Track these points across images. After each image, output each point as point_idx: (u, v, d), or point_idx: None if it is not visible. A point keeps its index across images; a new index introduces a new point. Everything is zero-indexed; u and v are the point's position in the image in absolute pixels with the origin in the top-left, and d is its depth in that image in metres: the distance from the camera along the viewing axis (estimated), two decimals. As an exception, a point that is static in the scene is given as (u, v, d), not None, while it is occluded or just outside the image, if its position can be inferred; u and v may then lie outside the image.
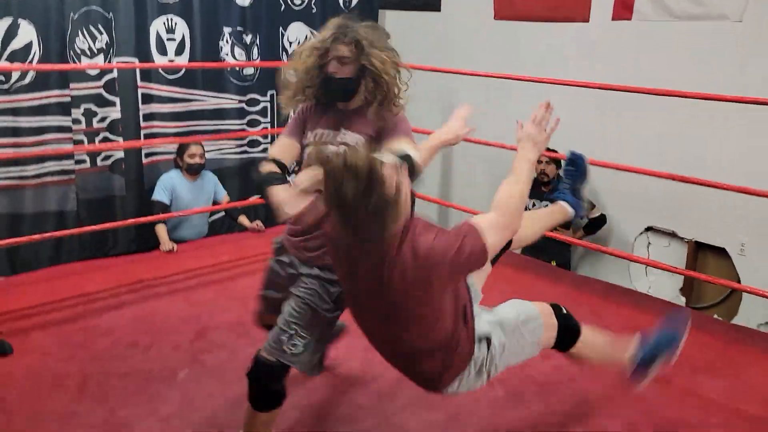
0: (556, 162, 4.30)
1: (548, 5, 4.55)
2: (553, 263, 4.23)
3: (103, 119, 4.07)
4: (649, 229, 4.29)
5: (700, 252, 4.13)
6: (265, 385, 2.01)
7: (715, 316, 3.95)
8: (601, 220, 4.30)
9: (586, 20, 4.37)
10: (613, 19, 4.22)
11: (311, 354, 2.01)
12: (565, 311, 2.03)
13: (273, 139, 5.03)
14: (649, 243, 4.32)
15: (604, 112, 4.31)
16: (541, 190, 4.38)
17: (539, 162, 4.32)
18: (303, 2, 4.96)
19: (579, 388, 2.62)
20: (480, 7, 4.91)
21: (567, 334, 2.01)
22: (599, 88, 3.60)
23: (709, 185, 3.27)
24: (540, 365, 2.76)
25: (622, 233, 4.39)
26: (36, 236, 3.46)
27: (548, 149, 4.18)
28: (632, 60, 4.13)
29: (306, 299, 2.00)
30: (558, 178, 4.36)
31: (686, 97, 3.27)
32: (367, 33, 2.01)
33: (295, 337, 1.97)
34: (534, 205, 4.43)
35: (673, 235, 4.19)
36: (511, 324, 1.91)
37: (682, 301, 4.11)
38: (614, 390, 2.60)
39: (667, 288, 4.20)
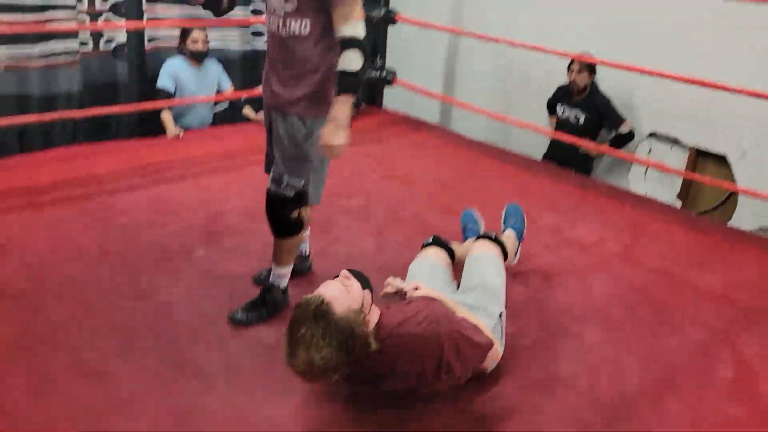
0: (590, 68, 4.18)
1: None
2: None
3: (105, 0, 3.93)
4: (652, 134, 4.33)
5: (699, 160, 4.20)
6: (278, 213, 2.25)
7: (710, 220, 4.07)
8: (629, 136, 4.18)
9: None
10: None
11: (305, 184, 2.23)
12: (494, 236, 2.45)
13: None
14: (650, 149, 4.38)
15: (616, 13, 4.24)
16: (574, 98, 4.31)
17: (570, 71, 4.23)
18: None
19: (583, 278, 2.74)
20: None
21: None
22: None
23: (720, 88, 3.28)
24: (546, 256, 2.88)
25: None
26: (34, 116, 3.44)
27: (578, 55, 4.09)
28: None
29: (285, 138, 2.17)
30: (592, 87, 4.26)
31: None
32: None
33: (286, 173, 2.18)
34: (564, 112, 4.37)
35: (675, 141, 4.24)
36: (492, 283, 2.22)
37: (678, 205, 4.22)
38: (616, 280, 2.73)
39: (664, 193, 4.29)
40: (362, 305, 1.74)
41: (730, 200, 4.09)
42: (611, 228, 3.21)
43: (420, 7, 4.89)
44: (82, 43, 3.92)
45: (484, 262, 2.31)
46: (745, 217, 3.96)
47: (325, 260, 2.67)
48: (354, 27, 2.01)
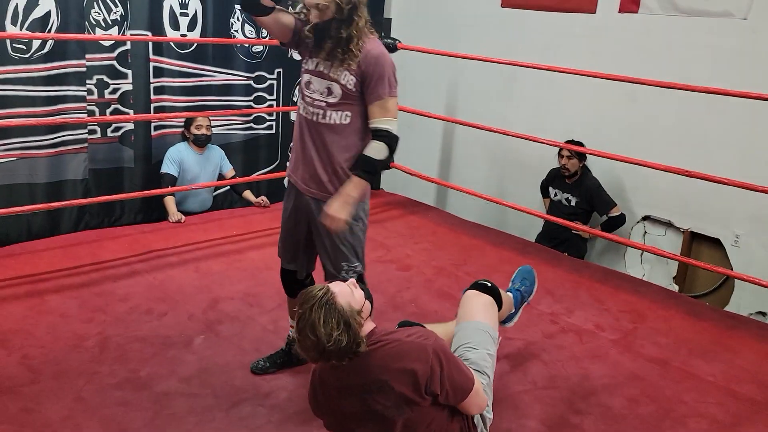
0: (580, 157, 4.34)
1: (556, -5, 4.63)
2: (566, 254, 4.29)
3: (114, 91, 4.10)
4: (646, 218, 4.41)
5: (694, 243, 4.26)
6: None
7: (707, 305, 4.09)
8: (620, 219, 4.29)
9: (593, 11, 4.45)
10: (619, 11, 4.31)
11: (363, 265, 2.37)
12: (490, 284, 2.27)
13: (278, 117, 5.08)
14: (645, 232, 4.45)
15: (607, 103, 4.41)
16: (565, 182, 4.44)
17: (560, 156, 4.37)
18: (312, -18, 4.98)
19: (581, 366, 2.73)
20: (488, -6, 4.98)
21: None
22: (603, 78, 3.70)
23: (708, 179, 3.37)
24: (544, 344, 2.88)
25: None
26: (41, 205, 3.56)
27: (571, 142, 4.25)
28: (636, 52, 4.23)
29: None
30: (582, 171, 4.40)
31: (688, 90, 3.38)
32: None
33: (344, 261, 2.30)
34: (555, 195, 4.50)
35: (669, 224, 4.32)
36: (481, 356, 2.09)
37: (675, 289, 4.24)
38: (614, 369, 2.72)
39: (660, 276, 4.33)
40: (362, 309, 1.81)
41: (727, 283, 4.12)
42: (609, 314, 3.23)
43: (416, 95, 5.08)
44: (91, 132, 4.06)
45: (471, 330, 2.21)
46: (743, 301, 3.98)
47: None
48: (389, 122, 2.20)
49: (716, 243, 4.12)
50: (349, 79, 2.16)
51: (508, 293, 2.56)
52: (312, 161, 2.25)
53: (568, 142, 4.25)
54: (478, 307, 2.17)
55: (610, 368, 2.73)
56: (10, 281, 3.12)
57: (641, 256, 4.47)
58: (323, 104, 2.20)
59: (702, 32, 3.95)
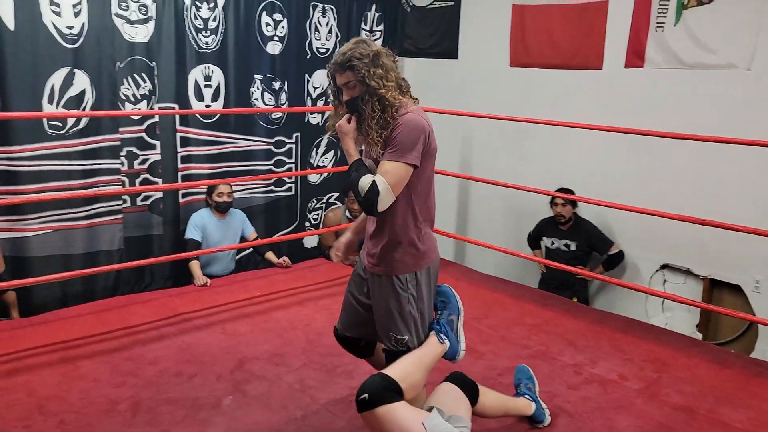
0: (572, 203, 4.49)
1: (562, 53, 4.80)
2: (575, 299, 4.37)
3: (144, 161, 4.31)
4: (665, 266, 4.43)
5: (715, 289, 4.26)
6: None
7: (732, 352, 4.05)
8: (619, 256, 4.47)
9: (599, 68, 4.61)
10: (625, 66, 4.46)
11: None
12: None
13: (297, 179, 5.25)
14: (665, 280, 4.46)
15: (618, 155, 4.52)
16: (559, 228, 4.58)
17: (554, 204, 4.52)
18: (328, 51, 5.24)
19: (607, 417, 2.74)
20: (495, 55, 5.18)
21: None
22: (612, 131, 3.80)
23: (724, 227, 3.39)
24: (569, 395, 2.89)
25: (638, 270, 4.54)
26: (73, 273, 3.67)
27: (562, 190, 4.42)
28: (643, 104, 4.35)
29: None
30: (575, 216, 4.57)
31: (696, 139, 3.45)
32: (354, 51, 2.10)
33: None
34: (553, 243, 4.62)
35: (688, 272, 4.33)
36: None
37: (699, 337, 4.22)
38: (640, 419, 2.72)
39: (683, 324, 4.32)
40: None
41: (750, 329, 4.10)
42: (632, 364, 3.23)
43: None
44: (123, 201, 4.25)
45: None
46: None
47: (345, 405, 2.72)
48: (380, 179, 2.08)
49: (737, 289, 4.12)
50: (379, 153, 2.12)
51: (524, 396, 2.58)
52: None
53: (559, 190, 4.42)
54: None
55: (636, 418, 2.72)
56: (44, 348, 3.22)
57: (662, 304, 4.47)
58: None
59: (707, 83, 4.08)
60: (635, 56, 4.41)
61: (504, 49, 5.13)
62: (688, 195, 4.13)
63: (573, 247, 4.55)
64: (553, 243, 4.64)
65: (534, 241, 4.83)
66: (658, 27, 4.25)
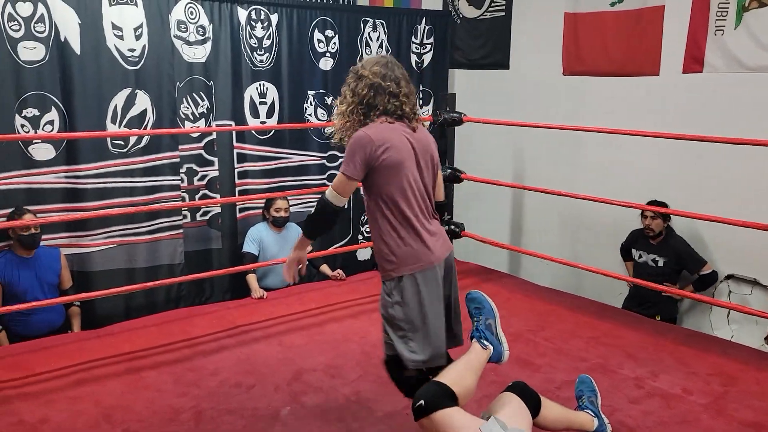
0: (664, 217, 4.31)
1: (617, 60, 4.72)
2: (658, 318, 4.20)
3: (202, 177, 4.45)
4: (729, 276, 4.27)
5: (784, 300, 4.09)
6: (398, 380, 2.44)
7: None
8: (713, 277, 4.21)
9: (656, 74, 4.51)
10: (683, 72, 4.34)
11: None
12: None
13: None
14: (730, 291, 4.30)
15: (675, 162, 4.39)
16: (650, 242, 4.41)
17: (644, 217, 4.36)
18: (378, 65, 5.29)
19: None
20: (548, 64, 5.13)
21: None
22: (670, 138, 3.70)
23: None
24: (630, 410, 2.82)
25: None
26: (136, 286, 3.85)
27: (654, 202, 4.20)
28: (702, 110, 4.23)
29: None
30: (666, 231, 4.35)
31: (759, 145, 3.33)
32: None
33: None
34: (640, 257, 4.45)
35: (755, 282, 4.16)
36: None
37: (767, 349, 4.05)
38: (707, 434, 2.63)
39: (750, 336, 4.15)
40: None
41: (824, 342, 3.91)
42: (697, 378, 3.13)
43: (483, 165, 5.21)
44: (183, 217, 4.39)
45: None
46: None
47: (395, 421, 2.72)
48: (330, 190, 2.32)
49: (809, 300, 3.94)
50: None
51: (586, 411, 2.51)
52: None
53: (650, 203, 4.21)
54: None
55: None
56: (110, 359, 3.35)
57: (728, 316, 4.31)
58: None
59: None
60: (693, 61, 4.29)
61: (556, 58, 5.07)
62: (751, 203, 3.98)
63: (661, 263, 4.34)
64: (641, 256, 4.46)
65: (625, 252, 4.65)
66: (717, 30, 4.13)
